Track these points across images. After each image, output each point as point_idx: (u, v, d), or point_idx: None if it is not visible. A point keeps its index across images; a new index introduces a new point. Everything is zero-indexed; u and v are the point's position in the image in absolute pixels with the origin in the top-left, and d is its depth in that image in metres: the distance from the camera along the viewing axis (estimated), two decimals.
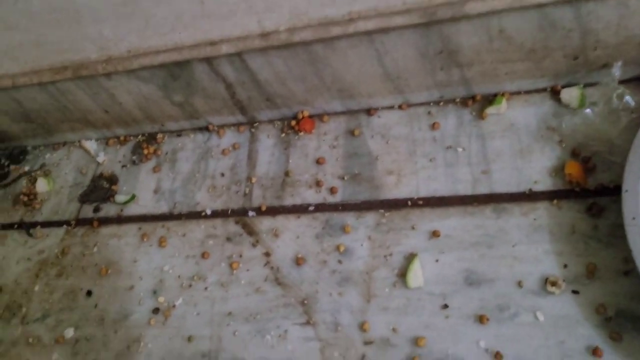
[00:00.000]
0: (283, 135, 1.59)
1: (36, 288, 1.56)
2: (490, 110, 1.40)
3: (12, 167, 1.86)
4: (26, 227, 1.69)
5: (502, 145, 1.35)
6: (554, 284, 1.16)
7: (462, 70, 1.38)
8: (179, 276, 1.45)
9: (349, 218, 1.38)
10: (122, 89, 1.59)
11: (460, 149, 1.38)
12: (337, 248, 1.34)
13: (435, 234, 1.28)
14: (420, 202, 1.34)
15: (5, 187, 1.81)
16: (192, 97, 1.59)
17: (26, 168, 1.84)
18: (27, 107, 1.71)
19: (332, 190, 1.43)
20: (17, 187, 1.80)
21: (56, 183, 1.76)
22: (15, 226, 1.71)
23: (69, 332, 1.45)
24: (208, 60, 1.46)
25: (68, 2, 1.39)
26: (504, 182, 1.30)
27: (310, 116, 1.58)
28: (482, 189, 1.31)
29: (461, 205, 1.31)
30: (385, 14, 1.27)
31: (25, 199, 1.74)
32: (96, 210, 1.65)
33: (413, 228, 1.31)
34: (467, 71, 1.38)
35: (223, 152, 1.62)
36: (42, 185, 1.75)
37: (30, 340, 1.48)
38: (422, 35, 1.29)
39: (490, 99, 1.42)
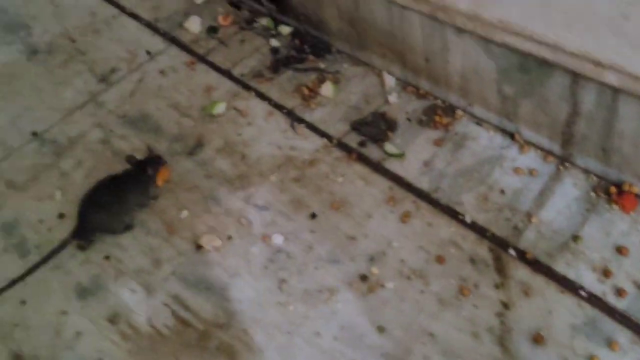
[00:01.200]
0: (592, 194, 1.33)
1: (272, 177, 1.55)
2: None
3: (310, 56, 1.84)
4: (293, 118, 1.67)
5: None
6: None
7: None
8: (402, 260, 1.32)
9: (622, 335, 1.12)
10: (460, 49, 1.44)
11: None
12: (590, 358, 1.10)
13: None
14: None
15: (296, 71, 1.80)
16: (523, 98, 1.39)
17: (322, 65, 1.81)
18: (360, 14, 1.64)
19: (620, 292, 1.16)
20: (305, 78, 1.78)
21: (339, 95, 1.71)
22: (285, 111, 1.70)
23: (278, 239, 1.41)
24: (575, 76, 1.23)
25: None
26: None
27: (637, 196, 1.29)
28: None
29: None
30: None
31: (306, 92, 1.72)
32: (361, 144, 1.57)
33: None
34: None
35: (516, 170, 1.41)
36: (327, 89, 1.71)
37: (242, 220, 1.47)
38: None
39: None
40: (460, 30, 1.39)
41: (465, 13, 1.35)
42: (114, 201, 1.48)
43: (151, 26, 2.11)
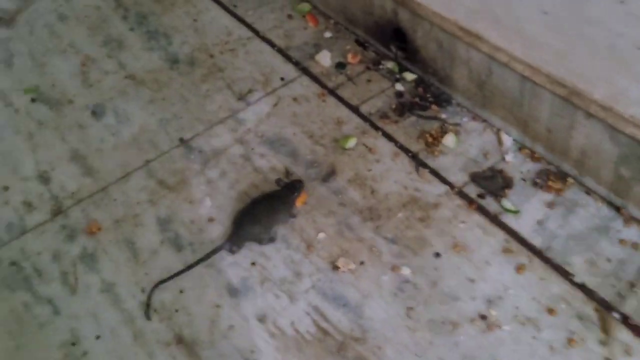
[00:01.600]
0: None
1: (399, 214, 1.77)
2: None
3: (433, 106, 2.06)
4: (417, 162, 1.90)
5: None
6: None
7: None
8: (517, 307, 1.54)
9: None
10: (586, 130, 1.65)
11: None
12: None
13: None
14: None
15: (419, 118, 2.03)
16: (637, 182, 1.60)
17: (443, 115, 2.03)
18: (491, 80, 1.86)
19: None
20: (428, 125, 2.00)
21: (459, 146, 1.93)
22: (410, 154, 1.93)
23: (406, 270, 1.64)
24: None
25: (627, 49, 1.44)
26: None
27: None
28: None
29: None
30: None
31: (430, 139, 1.94)
32: (480, 196, 1.79)
33: None
34: None
35: (621, 242, 1.62)
36: (450, 139, 1.93)
37: (373, 249, 1.70)
38: None
39: None
40: (590, 115, 1.60)
41: (599, 102, 1.56)
42: (265, 216, 1.72)
43: (283, 53, 2.35)
